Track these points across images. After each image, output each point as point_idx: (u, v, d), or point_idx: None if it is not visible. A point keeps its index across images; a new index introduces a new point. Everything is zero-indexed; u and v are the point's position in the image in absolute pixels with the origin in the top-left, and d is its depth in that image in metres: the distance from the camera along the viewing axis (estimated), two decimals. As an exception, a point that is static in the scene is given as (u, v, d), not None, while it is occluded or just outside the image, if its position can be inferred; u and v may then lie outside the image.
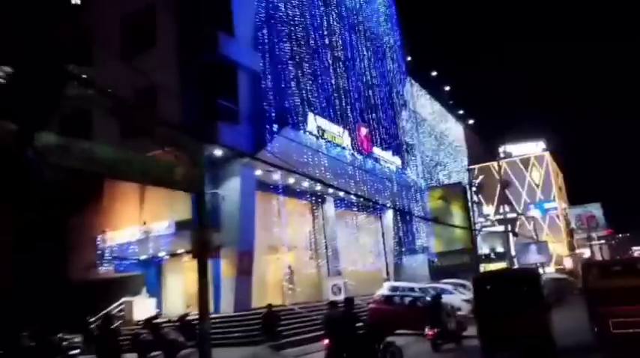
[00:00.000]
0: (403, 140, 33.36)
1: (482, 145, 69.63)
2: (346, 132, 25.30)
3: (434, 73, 44.07)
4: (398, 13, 36.62)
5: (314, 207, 27.08)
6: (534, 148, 75.54)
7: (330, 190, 26.10)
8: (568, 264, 60.56)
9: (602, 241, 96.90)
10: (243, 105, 20.07)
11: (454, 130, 54.40)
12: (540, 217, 69.04)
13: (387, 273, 32.67)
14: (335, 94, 25.02)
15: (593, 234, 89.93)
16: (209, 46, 18.97)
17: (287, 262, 24.36)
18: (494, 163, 72.25)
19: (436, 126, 48.73)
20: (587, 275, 12.96)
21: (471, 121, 57.82)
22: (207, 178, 13.12)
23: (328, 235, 26.72)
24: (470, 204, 35.45)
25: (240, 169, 19.72)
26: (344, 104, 26.06)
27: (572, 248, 70.13)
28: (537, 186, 70.78)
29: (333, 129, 24.31)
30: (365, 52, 30.04)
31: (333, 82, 25.02)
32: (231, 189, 19.99)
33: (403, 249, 35.21)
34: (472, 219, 34.93)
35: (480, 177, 71.61)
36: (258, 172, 20.76)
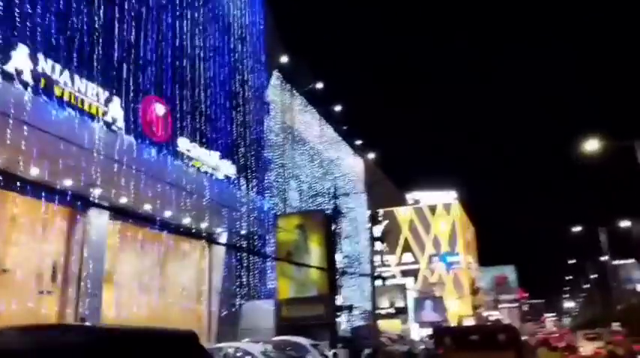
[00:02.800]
0: (249, 147, 25.22)
1: (384, 187, 63.28)
2: (117, 101, 16.72)
3: (319, 85, 36.77)
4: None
5: (75, 215, 17.96)
6: (445, 197, 70.31)
7: (97, 191, 17.26)
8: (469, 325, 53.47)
9: (514, 304, 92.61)
10: None
11: (349, 162, 47.26)
12: (445, 271, 62.73)
13: (210, 325, 23.72)
14: (101, 41, 16.50)
15: (503, 296, 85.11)
16: None
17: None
18: (400, 208, 66.08)
19: (324, 152, 41.24)
20: (439, 346, 12.23)
21: (371, 155, 50.91)
22: None
23: (89, 256, 17.53)
24: (332, 237, 27.39)
25: None
26: (129, 66, 17.65)
27: (475, 307, 63.83)
28: (443, 237, 64.73)
29: (86, 89, 15.66)
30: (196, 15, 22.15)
31: (99, 24, 16.54)
32: None
33: (242, 292, 26.44)
34: (332, 256, 26.81)
35: (385, 222, 64.75)
36: None
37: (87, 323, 15.93)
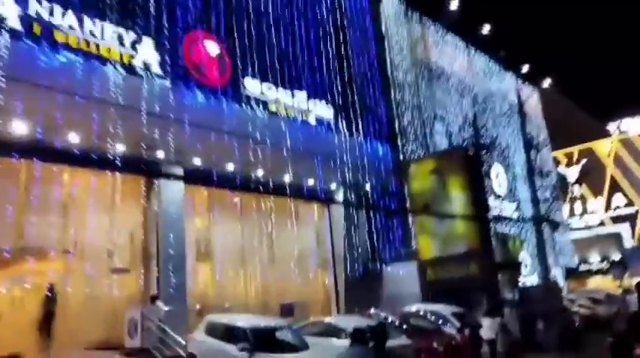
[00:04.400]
0: (355, 85, 20.92)
1: (573, 119, 52.36)
2: (148, 42, 14.11)
3: (454, 6, 30.32)
4: None
5: (146, 184, 16.14)
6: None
7: (159, 154, 15.05)
8: None
9: None
10: None
11: (513, 94, 39.13)
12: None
13: (337, 293, 20.47)
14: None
15: None
16: None
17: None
18: (601, 142, 54.01)
19: (478, 86, 34.47)
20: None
21: (547, 82, 41.67)
22: None
23: (166, 228, 15.52)
24: (480, 178, 21.11)
25: None
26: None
27: None
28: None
29: (102, 31, 13.31)
30: None
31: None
32: None
33: (378, 255, 22.49)
34: (486, 200, 20.80)
35: (583, 160, 54.10)
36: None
37: (158, 303, 13.85)
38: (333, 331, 12.59)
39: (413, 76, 28.41)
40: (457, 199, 20.85)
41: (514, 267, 21.05)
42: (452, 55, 32.70)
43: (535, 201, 36.60)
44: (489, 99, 35.17)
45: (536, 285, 19.53)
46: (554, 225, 19.84)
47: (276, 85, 17.41)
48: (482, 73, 35.37)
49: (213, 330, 11.40)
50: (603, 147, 53.55)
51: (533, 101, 41.61)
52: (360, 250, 21.25)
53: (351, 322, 13.09)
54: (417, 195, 22.03)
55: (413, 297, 21.12)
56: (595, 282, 44.07)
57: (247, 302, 17.36)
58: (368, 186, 21.47)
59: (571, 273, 46.43)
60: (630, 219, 49.27)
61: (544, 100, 43.88)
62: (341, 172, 19.37)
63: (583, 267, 49.17)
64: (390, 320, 15.53)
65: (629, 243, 45.86)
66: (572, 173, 53.65)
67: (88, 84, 12.22)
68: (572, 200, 52.96)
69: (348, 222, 20.50)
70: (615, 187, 51.64)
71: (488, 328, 15.79)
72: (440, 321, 16.32)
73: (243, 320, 11.30)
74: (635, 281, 39.45)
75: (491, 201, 30.93)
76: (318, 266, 20.59)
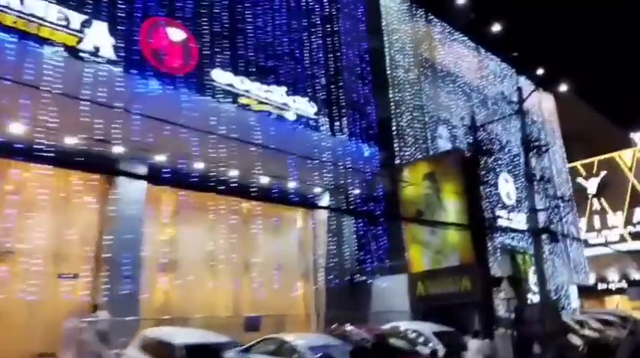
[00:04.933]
0: (342, 83, 19.38)
1: (594, 128, 49.99)
2: (102, 25, 12.83)
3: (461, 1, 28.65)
4: None
5: (108, 182, 14.85)
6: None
7: (118, 149, 13.78)
8: None
9: None
10: None
11: (531, 99, 37.06)
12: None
13: (318, 307, 19.03)
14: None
15: None
16: None
17: None
18: (625, 152, 51.37)
19: (487, 89, 32.64)
20: None
21: (563, 87, 39.46)
22: None
23: (121, 231, 14.19)
24: (477, 183, 19.20)
25: None
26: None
27: None
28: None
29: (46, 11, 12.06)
30: None
31: None
32: None
33: (366, 266, 20.86)
34: (478, 208, 18.89)
35: (602, 173, 51.61)
36: None
37: (100, 313, 12.50)
38: (287, 351, 11.07)
39: (415, 76, 26.76)
40: (451, 207, 19.12)
41: (513, 282, 19.13)
42: (459, 55, 30.97)
43: (544, 212, 34.48)
44: (500, 104, 33.26)
45: (533, 304, 17.60)
46: (554, 238, 17.90)
47: (251, 78, 15.96)
48: (493, 76, 33.51)
49: (147, 346, 10.15)
50: (625, 158, 50.91)
51: (548, 106, 39.48)
52: (346, 260, 19.64)
53: (310, 341, 11.58)
54: (410, 202, 20.35)
55: (403, 313, 19.49)
56: (613, 303, 41.62)
57: (214, 314, 15.86)
58: (356, 191, 19.89)
59: (587, 292, 44.01)
60: (653, 235, 46.53)
61: (562, 107, 41.67)
62: (325, 175, 17.86)
63: (601, 286, 46.73)
64: (364, 339, 13.98)
65: (651, 259, 43.16)
66: (592, 185, 51.10)
67: (25, 67, 10.98)
68: (591, 214, 50.42)
69: (332, 229, 18.91)
70: (637, 201, 48.92)
71: (476, 352, 14.08)
72: (421, 340, 14.65)
73: (181, 336, 9.96)
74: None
75: (499, 211, 29.07)
76: (299, 276, 19.03)
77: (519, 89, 20.00)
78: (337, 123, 18.18)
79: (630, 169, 50.73)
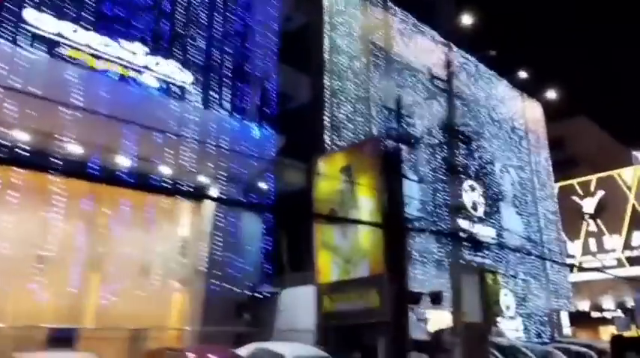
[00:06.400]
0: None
1: (592, 143, 46.36)
2: None
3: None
4: None
5: None
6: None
7: None
8: None
9: None
10: None
11: (513, 106, 33.64)
12: None
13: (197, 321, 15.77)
14: None
15: None
16: None
17: None
18: (625, 171, 47.20)
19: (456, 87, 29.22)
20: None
21: (552, 94, 35.79)
22: None
23: None
24: (399, 177, 15.54)
25: None
26: None
27: None
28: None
29: None
30: None
31: None
32: None
33: (274, 276, 17.53)
34: (403, 208, 15.10)
35: (600, 192, 47.83)
36: None
37: None
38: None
39: (363, 65, 23.63)
40: (365, 205, 15.69)
41: (436, 299, 15.49)
42: (422, 48, 27.74)
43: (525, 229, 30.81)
44: (473, 106, 29.90)
45: (450, 328, 13.94)
46: (477, 244, 14.46)
47: (101, 33, 12.92)
48: (466, 75, 30.17)
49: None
50: (625, 177, 46.77)
51: (534, 114, 35.92)
52: (240, 266, 16.30)
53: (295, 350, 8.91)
54: (324, 200, 16.99)
55: (307, 333, 16.07)
56: (607, 332, 37.40)
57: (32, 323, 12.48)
58: (264, 185, 16.68)
59: (580, 320, 40.18)
60: (652, 260, 42.15)
61: (549, 116, 38.03)
62: (212, 161, 14.71)
63: (595, 314, 42.71)
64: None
65: (650, 288, 38.81)
66: (588, 205, 47.13)
67: None
68: (587, 235, 46.40)
69: (222, 227, 15.64)
70: (636, 223, 44.66)
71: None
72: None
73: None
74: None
75: (462, 222, 25.51)
76: (176, 283, 15.72)
77: (448, 63, 16.70)
78: (226, 100, 14.90)
79: (630, 189, 46.56)
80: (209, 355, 10.99)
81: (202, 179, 15.54)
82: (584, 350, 21.73)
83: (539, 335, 28.29)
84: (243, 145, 14.43)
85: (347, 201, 16.24)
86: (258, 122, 15.44)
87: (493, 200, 28.38)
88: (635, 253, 43.94)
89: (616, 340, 11.45)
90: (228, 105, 14.76)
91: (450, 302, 23.65)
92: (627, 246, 44.82)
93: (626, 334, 29.44)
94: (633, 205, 45.65)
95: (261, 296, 16.86)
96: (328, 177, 16.73)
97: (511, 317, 28.38)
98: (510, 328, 27.87)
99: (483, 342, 13.32)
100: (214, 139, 13.70)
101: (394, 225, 14.83)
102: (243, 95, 15.14)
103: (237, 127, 14.75)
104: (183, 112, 13.64)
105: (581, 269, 42.51)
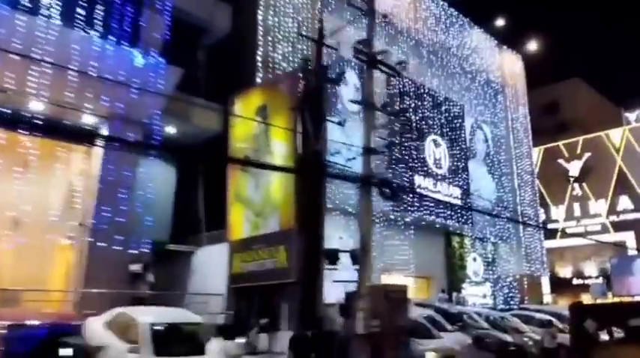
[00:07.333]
0: None
1: (581, 102, 43.78)
2: None
3: None
4: None
5: None
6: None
7: None
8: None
9: None
10: None
11: (491, 59, 30.96)
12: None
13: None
14: None
15: None
16: None
17: None
18: (613, 132, 44.66)
19: (428, 38, 26.53)
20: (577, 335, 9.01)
21: (533, 46, 33.07)
22: None
23: None
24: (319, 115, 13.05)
25: None
26: None
27: None
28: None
29: None
30: None
31: None
32: None
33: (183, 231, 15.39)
34: (321, 154, 12.84)
35: (586, 154, 45.62)
36: None
37: None
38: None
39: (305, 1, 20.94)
40: (278, 149, 13.42)
41: (355, 258, 13.33)
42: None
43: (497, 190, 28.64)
44: (442, 53, 27.29)
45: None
46: (391, 192, 12.11)
47: None
48: (435, 20, 27.45)
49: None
50: (613, 139, 44.27)
51: (512, 68, 33.25)
52: (147, 220, 14.14)
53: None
54: (239, 145, 14.72)
55: (217, 297, 14.10)
56: (589, 300, 35.73)
57: None
58: (171, 129, 14.38)
59: (562, 287, 38.79)
60: (637, 226, 40.09)
61: (530, 72, 35.30)
62: (91, 93, 12.35)
63: (577, 281, 41.22)
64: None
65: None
66: (574, 168, 44.88)
67: None
68: (571, 200, 44.33)
69: (115, 174, 13.40)
70: (622, 188, 42.40)
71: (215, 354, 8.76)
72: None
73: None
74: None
75: (421, 179, 23.33)
76: (61, 239, 13.58)
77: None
78: (94, 18, 12.32)
79: (618, 151, 44.11)
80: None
81: (87, 117, 13.22)
82: (547, 317, 20.00)
83: (506, 302, 26.43)
84: (122, 75, 12.01)
85: (262, 146, 13.98)
86: (145, 49, 12.97)
87: (461, 158, 26.11)
88: (620, 218, 41.88)
89: (575, 307, 10.13)
90: (100, 27, 12.25)
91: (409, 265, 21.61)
92: (612, 210, 42.80)
93: (600, 301, 27.72)
94: (620, 167, 43.36)
95: (167, 255, 14.81)
96: (244, 120, 14.42)
97: (478, 283, 26.53)
98: (477, 294, 26.09)
99: (401, 306, 11.23)
100: (83, 67, 11.31)
101: (307, 171, 12.56)
102: (125, 15, 12.64)
103: (111, 52, 12.26)
104: (34, 30, 11.20)
105: (564, 234, 40.69)
